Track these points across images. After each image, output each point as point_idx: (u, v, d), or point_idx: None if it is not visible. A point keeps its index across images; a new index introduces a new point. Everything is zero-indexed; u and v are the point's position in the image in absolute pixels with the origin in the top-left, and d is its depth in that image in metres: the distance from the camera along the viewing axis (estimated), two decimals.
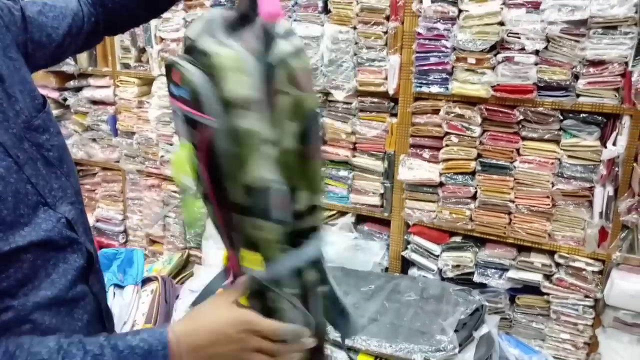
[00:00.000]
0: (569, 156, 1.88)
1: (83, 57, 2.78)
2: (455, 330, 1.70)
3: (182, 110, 0.75)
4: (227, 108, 0.70)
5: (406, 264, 2.27)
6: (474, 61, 1.90)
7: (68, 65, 2.77)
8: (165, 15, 2.36)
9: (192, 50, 0.74)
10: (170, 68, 0.75)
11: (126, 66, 2.73)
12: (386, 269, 2.28)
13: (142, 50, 2.67)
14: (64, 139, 0.91)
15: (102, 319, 0.95)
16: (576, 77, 1.82)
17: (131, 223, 2.99)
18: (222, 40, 0.72)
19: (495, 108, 1.93)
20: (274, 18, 0.74)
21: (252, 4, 0.74)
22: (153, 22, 2.53)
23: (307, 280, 0.83)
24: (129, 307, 2.36)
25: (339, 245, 2.20)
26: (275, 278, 0.80)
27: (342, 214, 2.37)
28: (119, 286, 2.26)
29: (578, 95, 1.83)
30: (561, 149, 1.88)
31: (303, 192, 0.79)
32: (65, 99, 2.89)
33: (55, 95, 2.90)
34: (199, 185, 0.79)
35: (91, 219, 3.00)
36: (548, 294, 1.97)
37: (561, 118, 1.87)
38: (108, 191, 3.00)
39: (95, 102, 2.86)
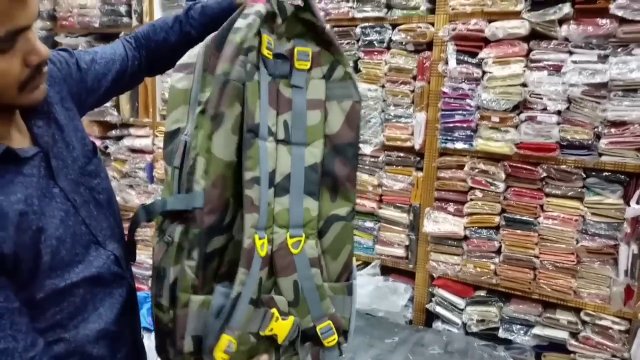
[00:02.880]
0: (593, 213, 1.89)
1: (126, 108, 2.95)
2: None
3: None
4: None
5: (430, 317, 2.27)
6: (497, 120, 1.98)
7: (111, 116, 2.95)
8: None
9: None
10: None
11: (165, 117, 2.87)
12: (410, 322, 2.29)
13: None
14: (110, 183, 1.00)
15: (139, 354, 1.01)
16: (598, 136, 1.86)
17: None
18: None
19: (519, 165, 1.98)
20: None
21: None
22: None
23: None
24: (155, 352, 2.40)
25: (367, 287, 2.22)
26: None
27: (367, 264, 2.40)
28: (148, 329, 2.32)
29: (600, 154, 1.87)
30: (585, 206, 1.91)
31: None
32: (106, 147, 3.05)
33: (97, 143, 3.06)
34: None
35: None
36: (574, 352, 1.95)
37: (584, 176, 1.90)
38: (141, 236, 3.10)
39: (134, 151, 3.01)
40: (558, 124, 1.91)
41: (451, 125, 2.08)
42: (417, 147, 2.19)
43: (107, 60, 1.07)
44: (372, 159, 2.32)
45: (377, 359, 1.85)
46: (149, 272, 3.03)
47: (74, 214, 0.85)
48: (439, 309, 2.20)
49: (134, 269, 3.32)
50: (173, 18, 1.13)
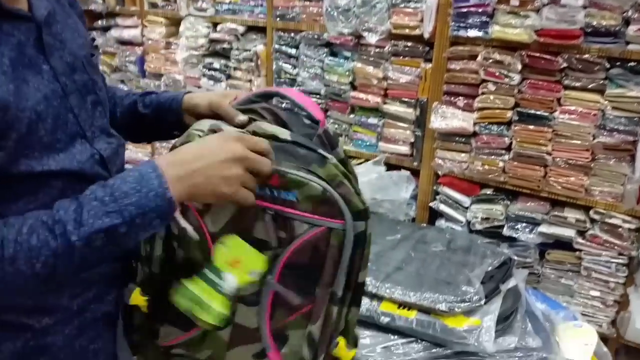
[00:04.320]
0: (613, 107, 1.77)
1: None
2: (482, 282, 1.67)
3: (283, 212, 0.76)
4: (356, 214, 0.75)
5: (434, 215, 2.23)
6: (517, 3, 1.79)
7: (96, 4, 2.73)
8: None
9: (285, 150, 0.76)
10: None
11: (153, 5, 2.67)
12: (413, 220, 2.25)
13: None
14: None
15: (123, 267, 0.95)
16: (627, 22, 1.71)
17: None
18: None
19: (538, 54, 1.82)
20: (324, 123, 0.81)
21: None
22: None
23: None
24: None
25: (370, 176, 2.15)
26: None
27: None
28: None
29: (627, 43, 1.72)
30: (605, 100, 1.78)
31: None
32: (93, 39, 2.87)
33: None
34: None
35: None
36: (580, 250, 1.92)
37: (607, 66, 1.76)
38: None
39: (123, 43, 2.84)
40: (584, 7, 1.73)
41: (465, 10, 1.89)
42: (426, 35, 2.01)
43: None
44: (377, 50, 2.15)
45: (378, 255, 1.82)
46: None
47: (61, 97, 0.78)
48: (443, 207, 2.15)
49: (131, 167, 3.30)
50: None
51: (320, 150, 0.76)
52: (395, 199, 2.15)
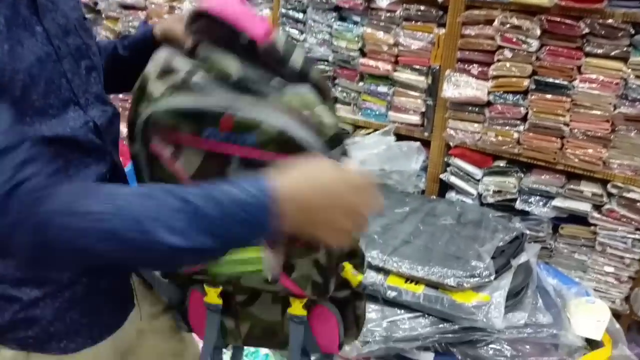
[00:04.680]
0: (637, 76, 1.68)
1: None
2: (492, 257, 1.62)
3: (247, 157, 0.72)
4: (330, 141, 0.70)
5: (444, 188, 2.17)
6: None
7: None
8: None
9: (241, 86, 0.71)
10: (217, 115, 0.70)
11: None
12: (423, 192, 2.19)
13: None
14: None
15: None
16: None
17: None
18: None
19: (558, 19, 1.73)
20: (268, 36, 0.74)
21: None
22: None
23: None
24: None
25: (379, 147, 2.09)
26: None
27: None
28: None
29: None
30: (628, 68, 1.69)
31: None
32: (95, 3, 2.81)
33: None
34: None
35: (125, 130, 2.98)
36: (595, 225, 1.85)
37: (632, 32, 1.67)
38: None
39: (126, 7, 2.76)
40: None
41: None
42: None
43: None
44: (388, 14, 2.06)
45: (386, 228, 1.78)
46: None
47: (54, 60, 0.75)
48: (454, 179, 2.09)
49: None
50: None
51: (273, 83, 0.72)
52: (405, 170, 2.09)
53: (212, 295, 0.90)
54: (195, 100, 0.71)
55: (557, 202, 1.89)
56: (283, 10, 2.31)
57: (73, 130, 0.77)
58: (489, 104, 1.94)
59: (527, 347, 1.48)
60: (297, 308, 0.86)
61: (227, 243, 0.64)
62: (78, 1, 0.87)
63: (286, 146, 0.69)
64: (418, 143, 2.14)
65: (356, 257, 0.87)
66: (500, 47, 1.85)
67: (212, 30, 0.77)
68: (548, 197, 1.92)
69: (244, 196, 0.61)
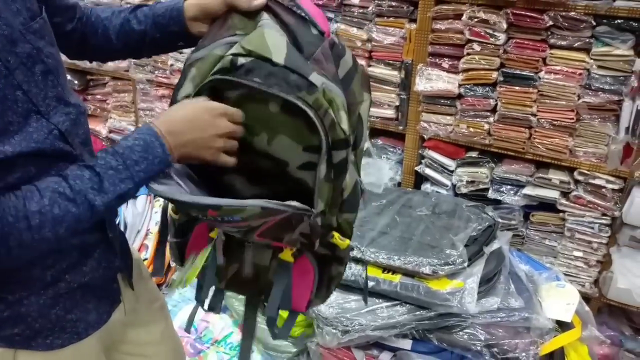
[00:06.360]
0: (599, 66, 1.75)
1: None
2: (466, 245, 1.67)
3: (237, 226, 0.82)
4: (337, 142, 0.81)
5: (419, 179, 2.22)
6: None
7: None
8: None
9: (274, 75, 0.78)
10: None
11: None
12: (399, 184, 2.24)
13: None
14: (58, 49, 0.87)
15: (104, 228, 0.93)
16: None
17: None
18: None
19: (523, 12, 1.78)
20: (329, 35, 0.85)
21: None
22: None
23: None
24: (142, 217, 2.38)
25: None
26: None
27: None
28: None
29: None
30: (591, 58, 1.75)
31: None
32: None
33: None
34: None
35: (104, 130, 2.97)
36: (564, 212, 1.92)
37: (594, 24, 1.73)
38: (119, 101, 2.94)
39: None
40: None
41: None
42: None
43: None
44: (361, 10, 2.09)
45: (363, 221, 1.82)
46: None
47: (5, 75, 0.72)
48: (429, 171, 2.14)
49: (115, 136, 3.17)
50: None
51: (311, 77, 0.78)
52: (376, 182, 2.12)
53: (217, 231, 0.91)
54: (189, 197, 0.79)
55: (527, 191, 1.95)
56: None
57: (37, 143, 0.76)
58: (460, 96, 1.99)
59: (500, 330, 1.53)
60: (287, 254, 0.91)
61: (139, 181, 0.78)
62: (21, 3, 0.80)
63: (269, 214, 0.77)
64: (387, 165, 2.20)
65: (341, 230, 0.91)
66: (469, 40, 1.90)
67: (280, 19, 0.86)
68: (518, 185, 1.98)
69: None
